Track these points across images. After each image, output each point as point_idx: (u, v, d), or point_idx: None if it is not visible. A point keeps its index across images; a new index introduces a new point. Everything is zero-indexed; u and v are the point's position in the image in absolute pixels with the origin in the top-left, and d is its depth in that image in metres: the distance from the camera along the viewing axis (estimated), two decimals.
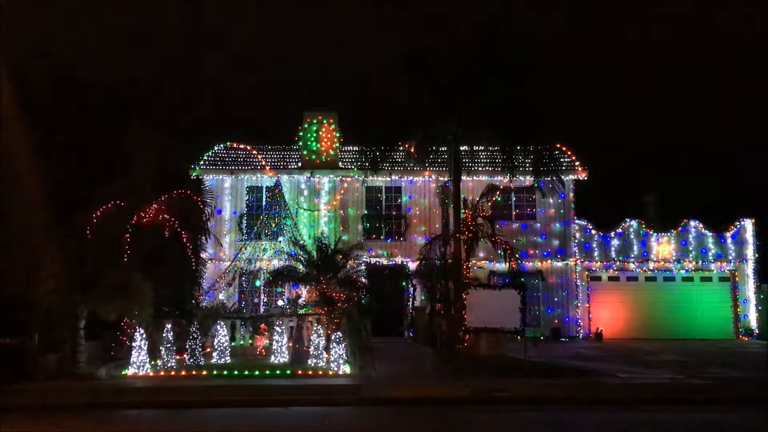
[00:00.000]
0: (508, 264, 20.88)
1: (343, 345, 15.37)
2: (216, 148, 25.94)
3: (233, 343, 17.35)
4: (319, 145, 25.66)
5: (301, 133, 25.80)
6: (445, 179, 22.94)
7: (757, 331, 25.35)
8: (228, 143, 26.04)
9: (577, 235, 26.15)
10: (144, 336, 15.24)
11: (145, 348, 15.16)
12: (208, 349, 16.82)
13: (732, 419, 11.46)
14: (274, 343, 16.59)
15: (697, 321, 25.58)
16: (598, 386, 14.13)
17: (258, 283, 24.71)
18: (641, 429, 10.77)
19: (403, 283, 24.64)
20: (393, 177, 25.29)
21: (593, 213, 26.58)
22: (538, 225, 25.97)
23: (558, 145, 24.37)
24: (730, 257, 26.19)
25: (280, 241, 23.31)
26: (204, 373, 15.15)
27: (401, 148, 21.02)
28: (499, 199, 25.35)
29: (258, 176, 25.60)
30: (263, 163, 25.48)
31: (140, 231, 16.87)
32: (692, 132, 42.24)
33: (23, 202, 14.84)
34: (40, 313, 15.35)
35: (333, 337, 15.65)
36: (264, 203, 25.17)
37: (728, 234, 26.35)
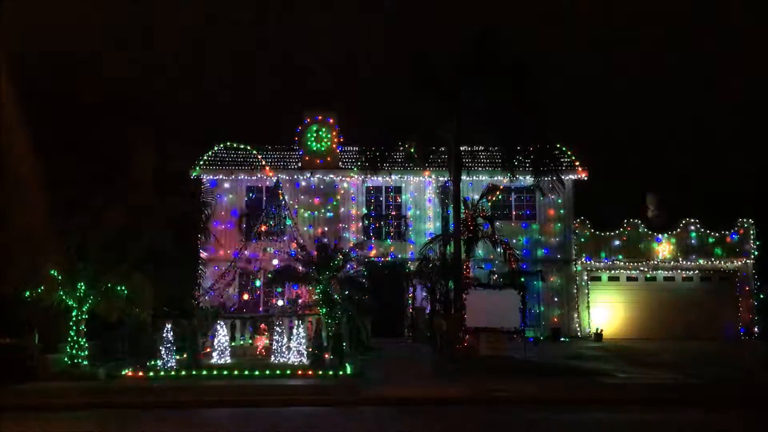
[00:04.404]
0: (508, 264, 20.92)
1: (343, 345, 15.37)
2: (216, 148, 25.94)
3: (233, 343, 17.35)
4: (319, 145, 25.65)
5: (300, 133, 25.80)
6: (445, 179, 22.95)
7: (757, 331, 25.35)
8: (228, 143, 26.05)
9: (577, 235, 26.15)
10: (144, 336, 15.23)
11: (146, 348, 15.15)
12: (208, 349, 16.81)
13: (732, 419, 11.46)
14: (274, 343, 16.59)
15: (697, 321, 25.55)
16: (597, 386, 14.13)
17: (258, 283, 24.71)
18: (641, 429, 10.78)
19: (403, 283, 24.63)
20: (393, 177, 25.29)
21: (593, 213, 26.57)
22: (538, 225, 25.97)
23: (558, 145, 24.34)
24: (730, 257, 26.18)
25: (279, 242, 23.30)
26: (204, 373, 15.15)
27: (401, 148, 21.03)
28: (499, 198, 25.37)
29: (258, 176, 25.60)
30: (263, 163, 25.48)
31: (140, 231, 16.88)
32: (693, 132, 42.24)
33: (23, 202, 14.85)
34: (39, 313, 15.35)
35: (333, 337, 15.64)
36: (264, 203, 25.18)
37: (728, 234, 26.34)
